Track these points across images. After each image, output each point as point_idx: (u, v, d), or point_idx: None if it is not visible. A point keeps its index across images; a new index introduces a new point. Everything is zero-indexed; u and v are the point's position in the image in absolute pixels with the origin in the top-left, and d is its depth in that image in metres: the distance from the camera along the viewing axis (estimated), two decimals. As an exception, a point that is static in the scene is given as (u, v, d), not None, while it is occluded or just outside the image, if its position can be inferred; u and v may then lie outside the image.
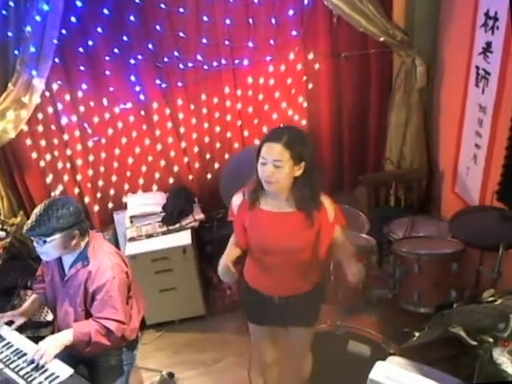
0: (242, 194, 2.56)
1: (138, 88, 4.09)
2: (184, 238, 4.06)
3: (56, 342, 2.58)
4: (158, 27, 3.89)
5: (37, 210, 2.57)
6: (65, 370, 2.50)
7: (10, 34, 3.63)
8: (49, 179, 4.26)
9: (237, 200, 2.59)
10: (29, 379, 2.46)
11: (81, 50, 3.87)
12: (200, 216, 4.23)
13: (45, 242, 2.55)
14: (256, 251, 2.63)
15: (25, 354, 2.61)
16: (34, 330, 3.32)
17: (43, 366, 2.51)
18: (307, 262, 2.56)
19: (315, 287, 2.68)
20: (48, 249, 2.59)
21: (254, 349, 3.02)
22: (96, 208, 4.41)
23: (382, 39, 3.94)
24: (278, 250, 2.52)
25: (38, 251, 2.64)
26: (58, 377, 2.46)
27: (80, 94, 4.03)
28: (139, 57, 3.96)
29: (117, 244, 4.40)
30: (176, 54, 4.00)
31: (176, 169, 4.44)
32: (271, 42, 4.06)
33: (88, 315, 2.69)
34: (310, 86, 4.31)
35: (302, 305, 2.64)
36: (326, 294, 2.83)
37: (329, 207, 2.47)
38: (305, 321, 2.75)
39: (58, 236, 2.54)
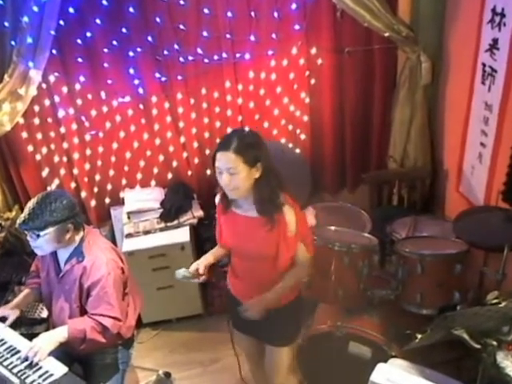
0: (220, 194, 2.59)
1: (136, 81, 4.08)
2: (182, 234, 4.07)
3: (50, 339, 2.58)
4: (157, 19, 3.88)
5: (30, 204, 2.57)
6: (59, 368, 2.50)
7: (6, 24, 3.62)
8: (45, 173, 4.26)
9: (217, 200, 2.66)
10: (22, 377, 2.46)
11: (79, 41, 3.87)
12: (199, 213, 4.24)
13: (38, 236, 2.55)
14: (232, 255, 2.69)
15: (18, 352, 2.61)
16: (28, 327, 3.32)
17: (37, 364, 2.51)
18: (276, 274, 2.53)
19: (290, 305, 2.64)
20: (41, 243, 2.59)
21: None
22: (93, 203, 4.40)
23: (386, 34, 3.92)
24: (243, 255, 2.56)
25: (31, 245, 2.65)
26: (52, 375, 2.46)
27: (77, 86, 4.02)
28: (138, 49, 3.95)
29: (114, 240, 4.41)
30: (176, 46, 3.99)
31: (175, 164, 4.44)
32: (273, 35, 4.04)
33: (83, 312, 2.69)
34: (313, 81, 4.29)
35: (276, 320, 2.59)
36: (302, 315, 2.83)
37: (289, 219, 2.43)
38: (278, 339, 2.74)
39: (51, 230, 2.54)
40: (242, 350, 3.02)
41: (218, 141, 2.48)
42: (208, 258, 2.68)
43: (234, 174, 2.31)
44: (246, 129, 2.45)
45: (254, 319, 2.47)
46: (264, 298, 2.49)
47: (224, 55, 4.07)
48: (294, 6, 3.96)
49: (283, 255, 2.48)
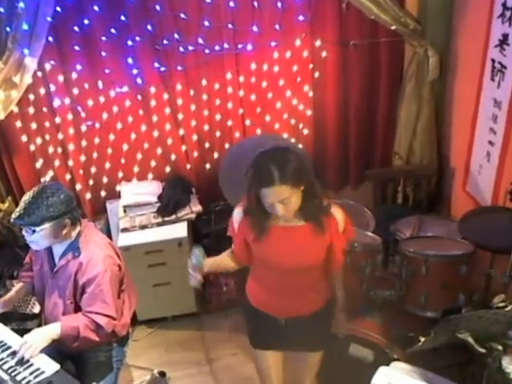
0: (243, 208, 2.51)
1: (135, 71, 4.07)
2: (180, 230, 4.06)
3: (43, 335, 2.57)
4: (157, 7, 3.86)
5: (25, 198, 2.55)
6: (51, 366, 2.49)
7: (1, 9, 3.60)
8: (39, 164, 4.24)
9: (238, 214, 2.54)
10: (13, 374, 2.45)
11: (76, 29, 3.85)
12: (197, 208, 4.23)
13: (34, 231, 2.54)
14: (260, 268, 2.60)
15: (9, 348, 2.61)
16: (20, 322, 3.32)
17: (28, 361, 2.50)
18: (318, 280, 2.55)
19: (327, 304, 2.64)
20: (37, 238, 2.58)
21: (259, 377, 2.92)
22: (88, 196, 4.39)
23: (393, 27, 3.91)
24: (286, 267, 2.48)
25: (26, 240, 2.63)
26: (43, 372, 2.46)
27: (74, 75, 4.01)
28: (137, 38, 3.93)
29: (109, 234, 4.39)
30: (176, 36, 3.98)
31: (173, 157, 4.43)
32: (276, 26, 4.03)
33: (77, 308, 2.68)
34: (317, 74, 4.28)
35: (311, 325, 2.59)
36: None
37: (339, 217, 2.45)
38: (314, 344, 2.71)
39: (47, 225, 2.53)
40: (261, 368, 2.86)
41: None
42: (209, 264, 2.59)
43: (286, 203, 2.28)
44: (277, 149, 2.38)
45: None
46: (341, 316, 2.58)
47: (225, 46, 4.05)
48: (298, -4, 3.95)
49: (337, 253, 2.50)
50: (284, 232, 2.44)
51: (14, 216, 2.55)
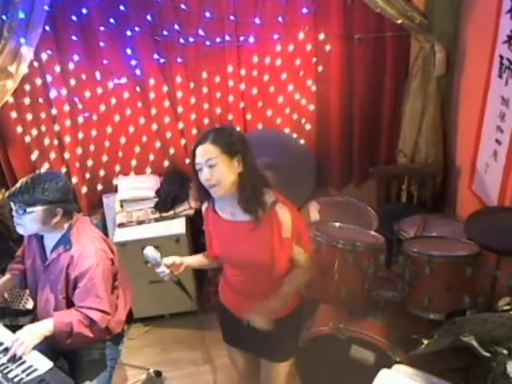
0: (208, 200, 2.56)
1: (133, 62, 4.06)
2: (178, 226, 4.06)
3: (35, 331, 2.56)
4: (157, -3, 3.86)
5: (23, 179, 2.57)
6: (44, 363, 2.48)
7: (-3, -3, 3.59)
8: (34, 156, 4.24)
9: (203, 208, 2.62)
10: (4, 371, 2.44)
11: (74, 18, 3.84)
12: (196, 204, 4.18)
13: (24, 211, 2.53)
14: (224, 265, 2.66)
15: (1, 344, 2.59)
16: (12, 318, 3.31)
17: (20, 358, 2.49)
18: (276, 284, 2.48)
19: (289, 315, 2.59)
20: (26, 221, 2.56)
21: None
22: (84, 189, 4.39)
23: (399, 22, 3.90)
24: (237, 264, 2.53)
25: (15, 222, 2.62)
26: (36, 370, 2.45)
27: (71, 65, 4.00)
28: (136, 28, 3.93)
29: (105, 230, 4.40)
30: (176, 27, 3.97)
31: (172, 151, 4.42)
32: (279, 19, 4.02)
33: (69, 304, 2.67)
34: (320, 68, 4.27)
35: (272, 333, 2.47)
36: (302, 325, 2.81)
37: (284, 218, 2.38)
38: (276, 353, 2.70)
39: (39, 208, 2.53)
40: (235, 366, 2.98)
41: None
42: (190, 261, 2.67)
43: (213, 166, 2.28)
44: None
45: (262, 329, 2.38)
46: (266, 304, 2.42)
47: (227, 38, 4.04)
48: (302, -13, 3.94)
49: (280, 259, 2.43)
50: (230, 226, 2.47)
51: (8, 193, 2.57)
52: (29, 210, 2.52)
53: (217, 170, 2.28)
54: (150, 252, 2.53)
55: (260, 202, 2.38)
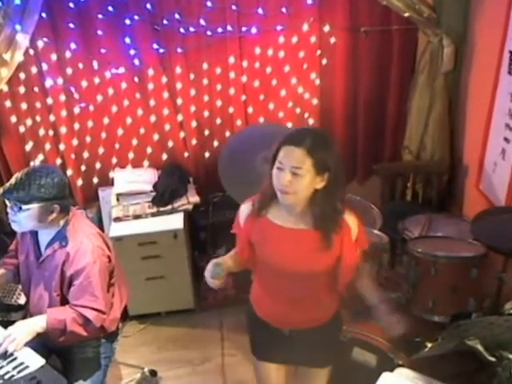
0: (252, 203, 2.42)
1: (132, 52, 4.06)
2: (176, 221, 4.05)
3: (27, 328, 2.55)
4: (158, -15, 3.85)
5: (19, 174, 2.54)
6: (36, 360, 2.47)
7: (-7, -18, 3.59)
8: (28, 147, 4.23)
9: (245, 210, 2.45)
10: (-5, 368, 2.43)
11: (71, 5, 3.84)
12: (195, 198, 4.22)
13: (20, 208, 2.51)
14: (263, 272, 2.52)
15: (-9, 340, 2.58)
16: (4, 313, 3.30)
17: (12, 354, 2.48)
18: (325, 290, 2.45)
19: (332, 319, 2.56)
20: (21, 218, 2.55)
21: None
22: (79, 182, 4.39)
23: (406, 15, 3.90)
24: (288, 273, 2.38)
25: (10, 219, 2.60)
26: (27, 367, 2.44)
27: (68, 54, 3.99)
28: (136, 17, 3.92)
29: (100, 224, 4.40)
30: (177, 16, 3.96)
31: (170, 144, 4.42)
32: (283, 9, 4.02)
33: (64, 301, 2.66)
34: (324, 61, 4.27)
35: (317, 340, 2.50)
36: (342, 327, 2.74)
37: (352, 225, 2.32)
38: (320, 359, 2.63)
39: (35, 206, 2.51)
40: (261, 382, 2.80)
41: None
42: (227, 262, 2.49)
43: (297, 176, 2.15)
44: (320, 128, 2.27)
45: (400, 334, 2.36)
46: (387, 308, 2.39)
47: (229, 28, 4.04)
48: (307, -22, 3.94)
49: (348, 265, 2.36)
50: (288, 234, 2.34)
51: (2, 189, 2.54)
52: (24, 207, 2.50)
53: (299, 180, 2.16)
54: (216, 272, 2.36)
55: (337, 221, 2.28)
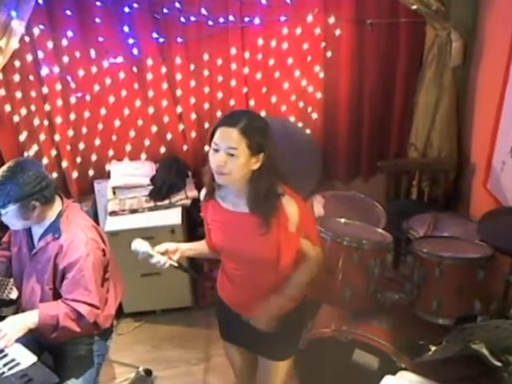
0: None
1: (131, 41, 4.06)
2: (173, 216, 4.06)
3: (19, 323, 2.54)
4: (158, -28, 3.85)
5: None
6: (27, 357, 2.48)
7: (-13, -34, 3.57)
8: (22, 137, 4.23)
9: (202, 194, 2.55)
10: (-15, 364, 2.43)
11: (69, -9, 3.83)
12: (193, 193, 4.22)
13: (0, 213, 2.52)
14: (223, 258, 2.61)
15: (-18, 336, 2.57)
16: (-5, 308, 3.28)
17: (3, 351, 2.48)
18: (275, 276, 2.47)
19: (291, 312, 2.56)
20: (8, 220, 2.57)
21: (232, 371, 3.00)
22: (75, 174, 4.38)
23: (414, 7, 3.89)
24: (236, 256, 2.48)
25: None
26: (18, 364, 2.44)
27: (64, 42, 3.99)
28: (135, 5, 3.92)
29: (96, 217, 4.39)
30: (177, 5, 3.96)
31: (169, 137, 4.42)
32: (287, 0, 4.00)
33: (56, 296, 2.66)
34: (329, 54, 4.26)
35: (272, 331, 2.50)
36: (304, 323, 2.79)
37: (291, 213, 2.35)
38: (275, 351, 2.68)
39: (12, 207, 2.51)
40: (231, 364, 2.96)
41: (221, 115, 2.39)
42: (187, 247, 2.64)
43: (232, 156, 2.22)
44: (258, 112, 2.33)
45: (265, 331, 2.41)
46: (272, 303, 2.42)
47: (231, 18, 4.03)
48: (312, -33, 3.93)
49: (286, 254, 2.41)
50: (231, 216, 2.42)
51: None
52: (3, 211, 2.52)
53: (234, 161, 2.22)
54: (139, 245, 2.51)
55: (272, 203, 2.32)
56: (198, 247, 2.69)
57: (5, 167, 2.55)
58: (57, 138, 4.26)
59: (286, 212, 2.34)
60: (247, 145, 2.21)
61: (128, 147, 4.40)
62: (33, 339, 2.64)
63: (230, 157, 2.22)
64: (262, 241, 2.35)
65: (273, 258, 2.40)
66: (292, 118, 4.38)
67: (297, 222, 2.36)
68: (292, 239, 2.39)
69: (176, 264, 2.52)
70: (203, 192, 2.54)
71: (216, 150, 2.24)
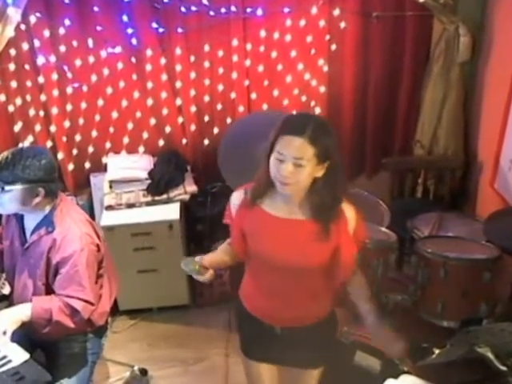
0: (244, 191, 2.41)
1: (130, 30, 4.05)
2: (171, 211, 4.05)
3: (11, 317, 2.53)
4: (159, -40, 3.85)
5: (5, 153, 2.52)
6: (19, 354, 2.45)
7: (-17, -49, 3.56)
8: (17, 127, 4.22)
9: (236, 198, 2.45)
10: (-24, 362, 2.42)
11: (66, -22, 3.83)
12: (192, 188, 4.22)
13: (3, 189, 2.49)
14: (256, 265, 2.50)
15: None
16: (-14, 304, 3.27)
17: (-6, 347, 2.47)
18: (320, 286, 2.44)
19: (327, 318, 2.55)
20: (4, 199, 2.53)
21: None
22: (70, 167, 4.37)
23: (421, 0, 3.89)
24: (282, 266, 2.37)
25: None
26: (10, 361, 2.41)
27: (61, 30, 3.97)
28: (134, -6, 3.92)
29: (92, 212, 4.39)
30: (178, -6, 3.96)
31: (168, 130, 4.41)
32: (291, -9, 4.02)
33: (49, 291, 2.64)
34: (333, 47, 4.26)
35: (310, 339, 2.50)
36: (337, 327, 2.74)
37: (350, 216, 2.32)
38: (312, 359, 2.62)
39: (18, 187, 2.48)
40: (250, 381, 2.82)
41: (284, 121, 2.28)
42: (212, 263, 2.51)
43: (299, 167, 2.13)
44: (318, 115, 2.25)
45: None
46: (379, 329, 2.45)
47: (233, 9, 4.03)
48: (316, -44, 3.94)
49: (346, 258, 2.35)
50: (283, 224, 2.33)
51: None
52: (7, 188, 2.48)
53: (301, 171, 2.14)
54: (188, 267, 2.42)
55: (336, 210, 2.27)
56: (223, 257, 2.58)
57: (19, 147, 2.57)
58: (52, 129, 4.26)
59: (346, 216, 2.30)
60: (315, 154, 2.12)
61: (126, 140, 4.38)
62: (25, 336, 2.62)
63: (296, 167, 2.13)
64: (318, 248, 2.30)
65: (326, 265, 2.35)
66: (294, 113, 4.32)
67: (353, 226, 2.33)
68: (352, 243, 2.34)
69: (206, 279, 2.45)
70: (237, 197, 2.44)
71: (281, 161, 2.15)
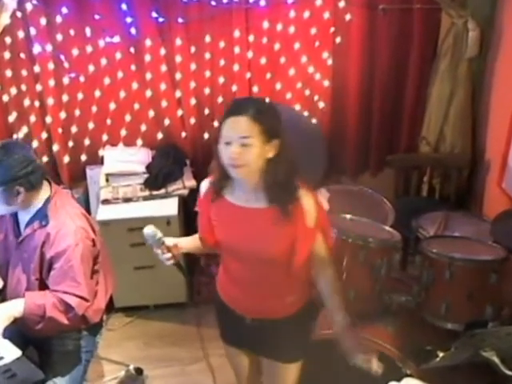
0: (211, 180, 2.46)
1: (129, 19, 4.05)
2: (169, 206, 4.06)
3: (4, 312, 2.54)
4: None
5: None
6: (11, 351, 2.46)
7: None
8: (12, 118, 4.22)
9: (204, 187, 2.51)
10: (-33, 358, 2.43)
11: (64, -36, 3.83)
12: (191, 182, 4.21)
13: None
14: (225, 255, 2.56)
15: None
16: (-22, 299, 3.27)
17: (-14, 344, 2.47)
18: (286, 277, 2.45)
19: (300, 312, 2.56)
20: None
21: (234, 374, 2.98)
22: (66, 159, 4.36)
23: (429, -8, 3.90)
24: (246, 256, 2.42)
25: None
26: (2, 358, 2.42)
27: (58, 19, 3.97)
28: (134, -18, 3.92)
29: (87, 205, 4.39)
30: (179, -17, 3.96)
31: (167, 122, 4.41)
32: (295, -20, 4.02)
33: (43, 287, 2.67)
34: (338, 40, 4.25)
35: (280, 332, 2.52)
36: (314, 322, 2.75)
37: (308, 206, 2.33)
38: (284, 354, 2.65)
39: None
40: (234, 368, 2.94)
41: (223, 102, 2.35)
42: (184, 243, 2.60)
43: (246, 146, 2.18)
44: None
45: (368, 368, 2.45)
46: (342, 327, 2.47)
47: (235, -1, 4.03)
48: None
49: (301, 251, 2.37)
50: (242, 213, 2.38)
51: None
52: None
53: (249, 151, 2.18)
54: (149, 233, 2.49)
55: (291, 191, 2.30)
56: (196, 242, 2.64)
57: None
58: (48, 120, 4.25)
59: (304, 205, 2.31)
60: (260, 131, 2.18)
61: (123, 132, 4.39)
62: (17, 333, 2.64)
63: (243, 147, 2.17)
64: (277, 235, 2.33)
65: (286, 255, 2.37)
66: (297, 107, 4.37)
67: (314, 217, 2.33)
68: (309, 234, 2.36)
69: (177, 262, 2.54)
70: (205, 185, 2.50)
71: (228, 143, 2.20)
